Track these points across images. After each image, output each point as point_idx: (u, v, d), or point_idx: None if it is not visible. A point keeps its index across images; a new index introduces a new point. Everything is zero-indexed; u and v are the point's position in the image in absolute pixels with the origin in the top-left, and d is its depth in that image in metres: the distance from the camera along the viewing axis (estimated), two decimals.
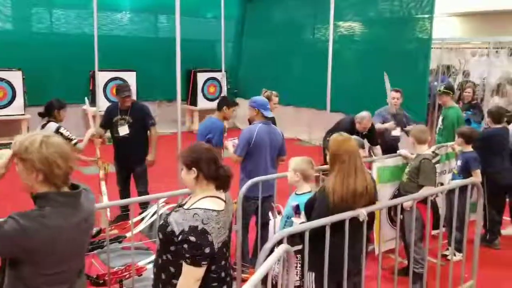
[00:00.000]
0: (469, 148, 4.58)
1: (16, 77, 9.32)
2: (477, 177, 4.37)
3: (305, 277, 2.83)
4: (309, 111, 10.61)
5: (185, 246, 2.14)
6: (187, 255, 2.15)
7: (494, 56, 8.65)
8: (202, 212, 2.21)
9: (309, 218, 2.90)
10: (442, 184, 4.75)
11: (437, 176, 4.50)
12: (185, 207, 2.30)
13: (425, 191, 3.71)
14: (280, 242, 2.44)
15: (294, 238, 2.71)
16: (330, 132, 5.13)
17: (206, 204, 2.25)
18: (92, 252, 3.46)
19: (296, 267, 3.01)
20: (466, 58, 10.33)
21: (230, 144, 4.39)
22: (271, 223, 3.96)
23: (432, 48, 8.17)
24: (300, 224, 2.83)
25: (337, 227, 2.68)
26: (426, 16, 8.01)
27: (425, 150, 4.16)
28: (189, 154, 2.32)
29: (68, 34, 10.23)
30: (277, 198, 3.98)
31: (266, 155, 4.25)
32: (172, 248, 2.22)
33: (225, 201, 2.33)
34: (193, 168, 2.29)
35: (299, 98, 10.71)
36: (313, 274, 2.86)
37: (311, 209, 2.90)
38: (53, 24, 10.21)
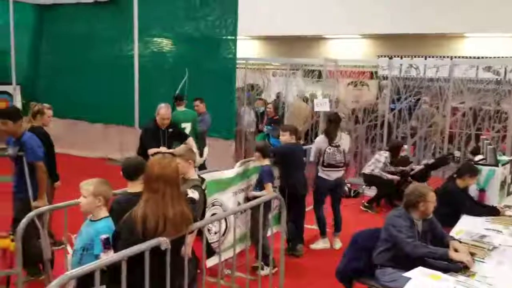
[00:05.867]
0: (265, 162, 4.70)
1: None
2: (268, 190, 4.47)
3: None
4: (118, 128, 10.05)
5: None
6: None
7: (292, 77, 9.50)
8: None
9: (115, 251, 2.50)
10: (239, 203, 4.62)
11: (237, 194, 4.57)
12: None
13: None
14: None
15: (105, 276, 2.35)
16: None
17: None
18: None
19: None
20: (268, 78, 11.23)
21: None
22: (69, 257, 3.42)
23: (236, 67, 8.56)
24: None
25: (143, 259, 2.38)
26: (230, 37, 8.34)
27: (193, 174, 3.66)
28: None
29: None
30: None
31: None
32: None
33: None
34: None
35: (107, 114, 10.08)
36: None
37: (119, 239, 2.52)
38: None
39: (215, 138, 7.86)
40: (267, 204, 3.85)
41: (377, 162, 6.92)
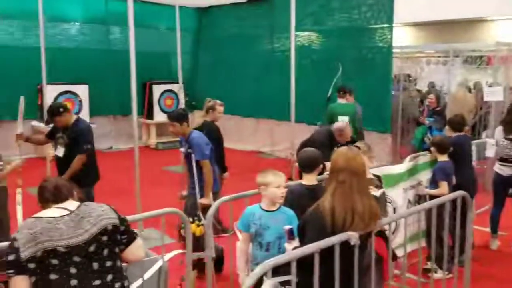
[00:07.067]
0: (442, 158, 4.43)
1: None
2: (443, 188, 4.21)
3: None
4: (269, 122, 10.43)
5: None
6: None
7: (450, 64, 8.78)
8: (25, 221, 2.17)
9: (302, 243, 2.55)
10: (409, 200, 4.48)
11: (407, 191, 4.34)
12: None
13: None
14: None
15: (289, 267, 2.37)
16: (304, 145, 4.87)
17: (39, 214, 2.20)
18: None
19: None
20: (421, 66, 10.53)
21: None
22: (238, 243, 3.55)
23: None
24: (292, 250, 2.51)
25: (330, 253, 2.39)
26: (386, 25, 8.03)
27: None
28: None
29: (12, 46, 9.56)
30: None
31: None
32: None
33: (71, 210, 2.20)
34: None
35: (258, 109, 10.53)
36: None
37: (304, 231, 2.56)
38: None
39: (369, 132, 7.64)
40: (443, 204, 3.58)
41: None
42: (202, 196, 4.53)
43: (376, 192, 3.06)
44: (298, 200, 3.09)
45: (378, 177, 3.48)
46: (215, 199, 4.22)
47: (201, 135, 4.65)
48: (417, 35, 13.72)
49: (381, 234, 2.89)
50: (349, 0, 8.63)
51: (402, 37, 13.17)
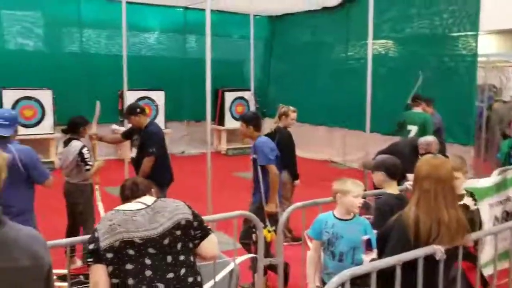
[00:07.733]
0: None
1: (46, 96, 9.25)
2: None
3: None
4: (341, 131, 10.22)
5: None
6: None
7: None
8: (106, 213, 2.28)
9: (381, 254, 2.43)
10: (496, 217, 4.14)
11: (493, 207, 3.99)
12: None
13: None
14: None
15: (367, 279, 2.25)
16: (381, 153, 4.68)
17: (119, 207, 2.29)
18: None
19: None
20: (508, 76, 9.85)
21: None
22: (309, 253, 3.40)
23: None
24: (370, 261, 2.39)
25: (412, 267, 2.24)
26: (470, 33, 7.61)
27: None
28: None
29: (98, 53, 10.21)
30: None
31: None
32: None
33: (148, 205, 2.27)
34: None
35: (331, 118, 10.35)
36: None
37: (384, 242, 2.44)
38: (83, 44, 10.20)
39: (449, 144, 7.23)
40: None
41: None
42: (267, 202, 4.45)
43: (468, 201, 2.83)
44: (391, 210, 2.90)
45: (471, 194, 3.20)
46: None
47: (267, 140, 4.53)
48: (502, 43, 12.87)
49: (468, 257, 2.66)
50: (429, 6, 8.28)
51: (486, 45, 12.41)
